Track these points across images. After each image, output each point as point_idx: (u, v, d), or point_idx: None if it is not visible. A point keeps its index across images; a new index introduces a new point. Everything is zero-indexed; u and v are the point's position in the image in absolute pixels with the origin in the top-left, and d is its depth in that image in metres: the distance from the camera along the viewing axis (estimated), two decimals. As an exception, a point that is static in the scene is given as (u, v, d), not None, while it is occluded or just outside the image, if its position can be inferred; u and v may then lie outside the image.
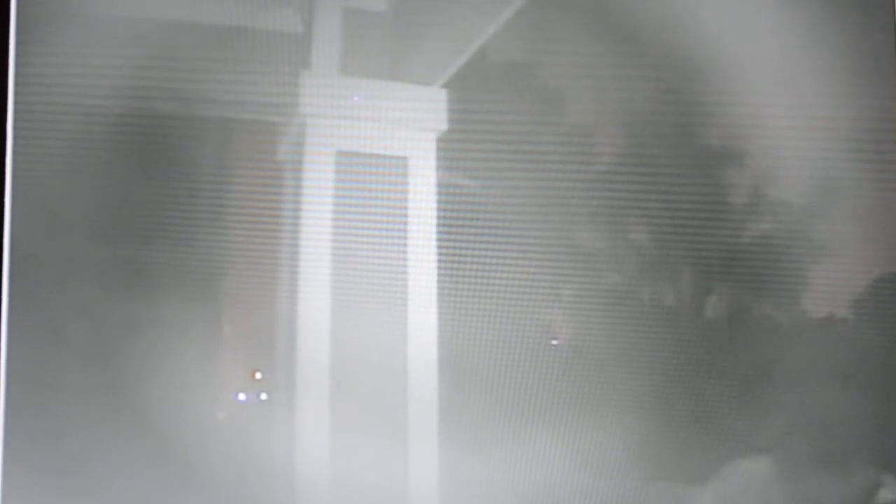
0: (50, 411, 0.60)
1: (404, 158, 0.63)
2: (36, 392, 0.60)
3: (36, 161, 0.61)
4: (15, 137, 0.60)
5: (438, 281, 0.62)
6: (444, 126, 0.64)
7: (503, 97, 0.64)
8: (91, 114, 0.62)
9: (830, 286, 0.64)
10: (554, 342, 0.63)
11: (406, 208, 0.63)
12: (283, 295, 0.63)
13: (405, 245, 0.63)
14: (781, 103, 0.63)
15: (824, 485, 0.62)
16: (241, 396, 0.63)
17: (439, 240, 0.63)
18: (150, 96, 0.62)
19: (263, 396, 0.63)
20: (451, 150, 0.63)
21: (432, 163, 0.63)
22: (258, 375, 0.63)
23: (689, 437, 0.63)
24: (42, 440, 0.60)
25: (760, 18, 0.63)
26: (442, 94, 0.64)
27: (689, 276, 0.64)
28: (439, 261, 0.63)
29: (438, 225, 0.63)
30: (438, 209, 0.63)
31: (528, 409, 0.62)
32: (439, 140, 0.64)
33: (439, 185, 0.63)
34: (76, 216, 0.62)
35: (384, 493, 0.62)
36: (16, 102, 0.60)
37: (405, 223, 0.63)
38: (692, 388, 0.63)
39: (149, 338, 0.62)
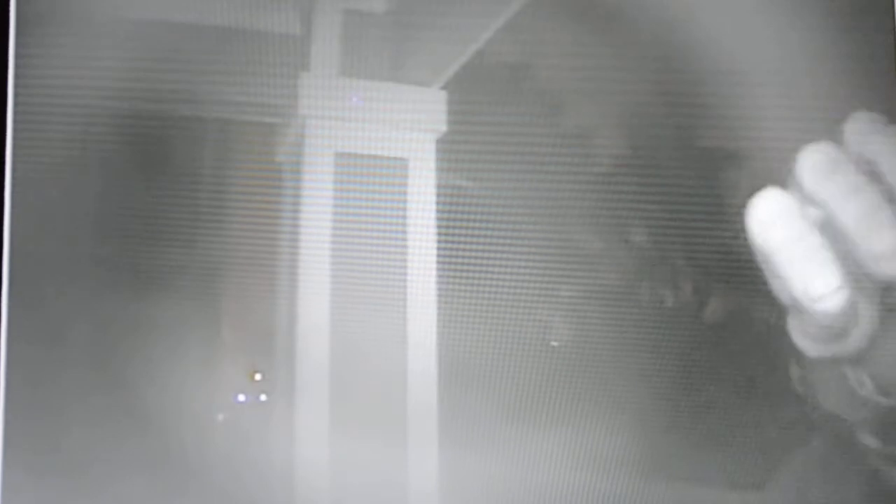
0: (49, 412, 0.60)
1: (404, 160, 0.63)
2: (35, 393, 0.60)
3: (36, 161, 0.61)
4: (15, 137, 0.60)
5: (438, 282, 0.62)
6: (444, 127, 0.63)
7: (503, 98, 0.64)
8: (90, 114, 0.62)
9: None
10: (554, 343, 0.63)
11: (406, 209, 0.63)
12: (282, 296, 0.63)
13: (405, 246, 0.63)
14: (781, 105, 0.63)
15: (823, 485, 0.62)
16: (241, 398, 0.63)
17: (439, 241, 0.63)
18: (149, 97, 0.62)
19: (263, 398, 0.63)
20: (451, 152, 0.63)
21: (432, 164, 0.63)
22: (258, 377, 0.63)
23: (689, 438, 0.63)
24: (41, 440, 0.60)
25: (760, 20, 0.63)
26: (442, 96, 0.64)
27: (690, 278, 0.64)
28: (439, 262, 0.63)
29: (438, 226, 0.63)
30: (438, 210, 0.63)
31: (529, 410, 0.62)
32: (439, 141, 0.64)
33: (439, 187, 0.63)
34: (76, 216, 0.62)
35: (384, 495, 0.62)
36: (16, 103, 0.60)
37: (405, 224, 0.63)
38: (692, 389, 0.63)
39: (148, 339, 0.62)
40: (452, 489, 0.62)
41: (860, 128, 0.35)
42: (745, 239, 0.60)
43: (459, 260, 0.62)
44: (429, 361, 0.62)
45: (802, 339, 0.34)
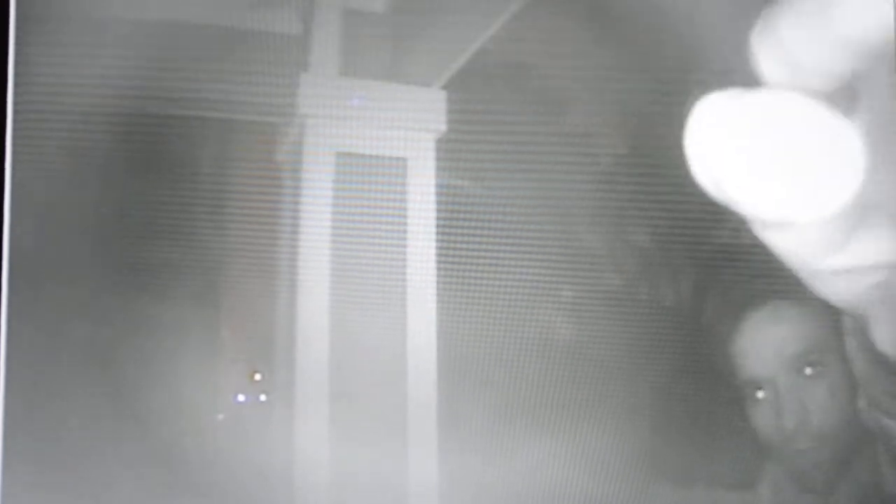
0: (49, 412, 0.60)
1: (403, 159, 0.63)
2: (35, 393, 0.60)
3: (36, 161, 0.61)
4: (15, 137, 0.60)
5: (438, 282, 0.62)
6: (444, 127, 0.63)
7: (503, 98, 0.64)
8: (89, 114, 0.62)
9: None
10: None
11: (405, 209, 0.63)
12: (282, 296, 0.63)
13: (404, 246, 0.63)
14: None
15: (822, 485, 0.62)
16: (241, 398, 0.63)
17: (438, 240, 0.63)
18: (149, 97, 0.62)
19: (263, 398, 0.63)
20: (451, 152, 0.63)
21: (431, 164, 0.63)
22: (257, 377, 0.63)
23: (690, 438, 0.63)
24: (41, 441, 0.60)
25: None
26: (441, 96, 0.64)
27: (690, 278, 0.64)
28: (438, 261, 0.62)
29: (438, 226, 0.63)
30: (438, 210, 0.63)
31: (528, 409, 0.62)
32: (438, 141, 0.64)
33: (439, 187, 0.63)
34: (76, 216, 0.62)
35: (384, 494, 0.62)
36: (16, 102, 0.60)
37: (404, 224, 0.63)
38: (693, 390, 0.63)
39: (148, 339, 0.62)
40: (452, 488, 0.62)
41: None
42: (745, 238, 0.60)
43: (459, 259, 0.62)
44: (428, 360, 0.62)
45: (794, 253, 0.24)
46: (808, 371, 0.56)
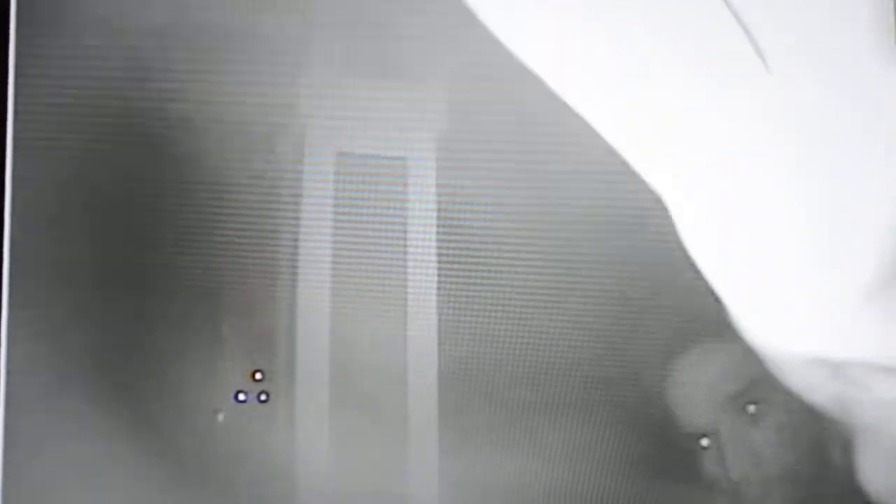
0: (47, 412, 0.60)
1: (403, 159, 0.63)
2: (34, 393, 0.60)
3: (36, 161, 0.61)
4: (15, 138, 0.60)
5: (438, 281, 0.62)
6: (444, 127, 0.63)
7: (503, 98, 0.64)
8: (90, 115, 0.62)
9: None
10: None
11: (405, 208, 0.63)
12: (282, 295, 0.63)
13: (405, 245, 0.63)
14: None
15: (821, 484, 0.62)
16: (241, 397, 0.63)
17: (439, 240, 0.63)
18: (149, 97, 0.63)
19: (263, 397, 0.63)
20: (451, 151, 0.63)
21: (432, 163, 0.63)
22: (258, 376, 0.63)
23: (692, 439, 0.63)
24: (39, 441, 0.60)
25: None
26: (441, 96, 0.64)
27: (689, 277, 0.64)
28: (439, 261, 0.63)
29: (438, 225, 0.63)
30: (438, 210, 0.63)
31: (529, 410, 0.62)
32: (438, 141, 0.64)
33: (439, 186, 0.63)
34: (76, 216, 0.62)
35: (384, 493, 0.62)
36: (16, 103, 0.60)
37: (405, 223, 0.63)
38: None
39: (147, 338, 0.62)
40: (453, 487, 0.62)
41: None
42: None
43: (459, 259, 0.62)
44: (429, 361, 0.62)
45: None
46: (752, 409, 0.52)
